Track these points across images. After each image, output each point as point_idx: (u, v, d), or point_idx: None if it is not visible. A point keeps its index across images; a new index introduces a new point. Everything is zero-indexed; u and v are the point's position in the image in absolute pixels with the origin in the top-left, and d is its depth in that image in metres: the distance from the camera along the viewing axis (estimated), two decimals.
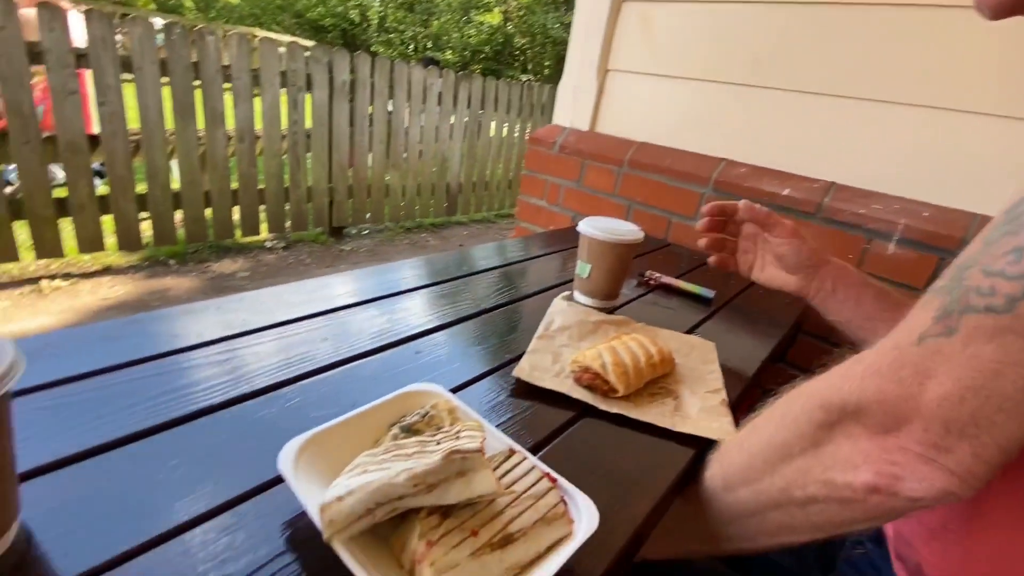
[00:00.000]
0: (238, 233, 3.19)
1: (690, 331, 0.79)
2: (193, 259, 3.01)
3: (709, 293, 0.93)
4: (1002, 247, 0.31)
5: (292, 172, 3.22)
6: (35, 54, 2.22)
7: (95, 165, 2.59)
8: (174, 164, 2.80)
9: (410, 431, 0.40)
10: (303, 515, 0.37)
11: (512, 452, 0.39)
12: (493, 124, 4.37)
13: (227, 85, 2.80)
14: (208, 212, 2.97)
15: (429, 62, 5.77)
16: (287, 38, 3.08)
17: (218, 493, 0.38)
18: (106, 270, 2.71)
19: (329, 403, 0.49)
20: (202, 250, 3.11)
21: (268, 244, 3.39)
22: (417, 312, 0.72)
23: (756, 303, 0.98)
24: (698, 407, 0.57)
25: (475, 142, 4.28)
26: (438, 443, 0.34)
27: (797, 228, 0.68)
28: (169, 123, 2.66)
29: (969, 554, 0.42)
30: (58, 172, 2.77)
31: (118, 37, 2.41)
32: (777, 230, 0.69)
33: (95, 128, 2.50)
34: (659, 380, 0.62)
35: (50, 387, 0.45)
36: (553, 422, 0.52)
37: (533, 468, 0.38)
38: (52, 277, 2.54)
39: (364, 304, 0.71)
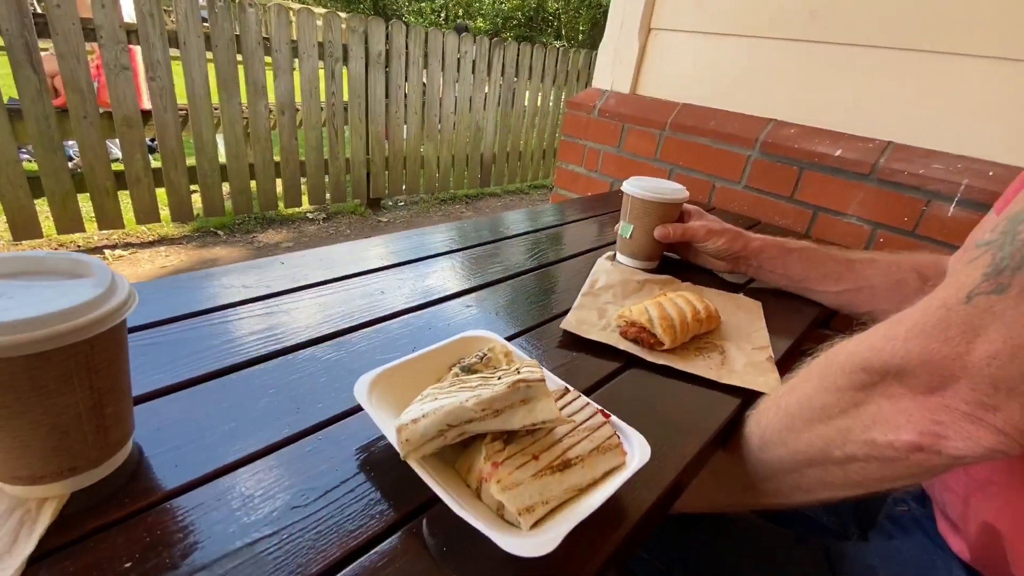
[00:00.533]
0: (281, 205, 3.30)
1: (736, 292, 0.79)
2: (240, 230, 3.13)
3: None
4: None
5: (331, 144, 3.28)
6: (88, 31, 2.31)
7: (148, 140, 2.71)
8: (220, 137, 2.89)
9: (470, 371, 0.43)
10: (375, 441, 0.40)
11: (568, 390, 0.42)
12: (527, 93, 4.30)
13: (267, 59, 2.85)
14: (253, 184, 3.08)
15: (462, 29, 5.68)
16: (321, 10, 3.10)
17: (300, 420, 0.41)
18: (161, 240, 2.87)
19: (391, 348, 0.52)
20: (248, 221, 3.23)
21: (310, 215, 3.49)
22: (459, 272, 0.75)
23: None
24: (744, 361, 0.58)
25: (509, 111, 4.24)
26: (499, 378, 0.37)
27: (730, 234, 0.75)
28: (214, 97, 2.74)
29: (1011, 507, 0.42)
30: (114, 148, 2.91)
31: (166, 13, 2.48)
32: (712, 240, 0.76)
33: (146, 103, 2.60)
34: (705, 336, 0.63)
35: (146, 328, 0.50)
36: (600, 371, 0.54)
37: (587, 404, 0.40)
38: (114, 247, 2.70)
39: (414, 262, 0.74)
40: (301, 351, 0.50)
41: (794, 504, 0.49)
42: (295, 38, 2.92)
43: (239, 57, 2.75)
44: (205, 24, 2.62)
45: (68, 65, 2.28)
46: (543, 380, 0.35)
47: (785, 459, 0.45)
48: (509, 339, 0.58)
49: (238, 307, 0.56)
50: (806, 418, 0.43)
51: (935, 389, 0.34)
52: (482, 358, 0.44)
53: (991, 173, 0.96)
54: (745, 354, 0.59)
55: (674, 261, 0.88)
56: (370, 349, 0.52)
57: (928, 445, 0.34)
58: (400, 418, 0.35)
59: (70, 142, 2.55)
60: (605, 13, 1.49)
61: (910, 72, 1.04)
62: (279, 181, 3.18)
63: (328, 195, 3.44)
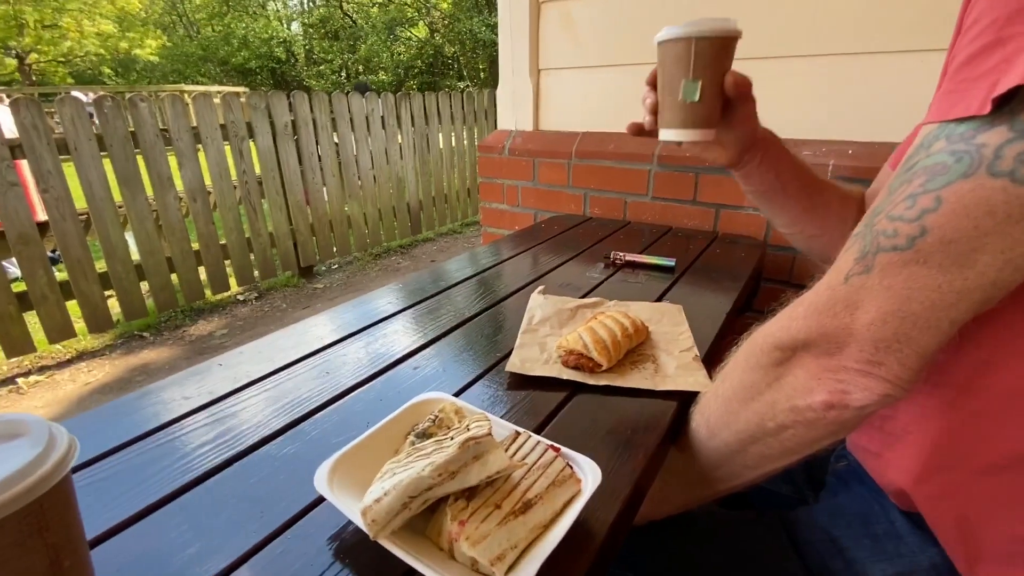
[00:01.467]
0: (208, 293, 3.17)
1: (658, 299, 0.86)
2: (167, 327, 2.97)
3: (670, 262, 1.00)
4: (900, 194, 0.38)
5: (251, 221, 3.21)
6: None
7: (49, 252, 2.55)
8: (129, 236, 2.76)
9: (425, 435, 0.45)
10: (345, 527, 0.41)
11: (518, 434, 0.45)
12: (440, 137, 4.41)
13: (168, 148, 2.78)
14: (174, 277, 2.94)
15: (363, 89, 5.77)
16: (216, 88, 3.08)
17: (266, 524, 0.42)
18: (80, 356, 2.66)
19: (347, 428, 0.54)
20: (175, 316, 3.07)
21: (240, 297, 3.36)
22: (406, 333, 0.77)
23: (715, 263, 1.05)
24: (674, 365, 0.63)
25: (426, 158, 4.32)
26: (452, 438, 0.39)
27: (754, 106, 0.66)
28: (117, 195, 2.63)
29: (920, 447, 0.49)
30: (11, 268, 2.70)
31: (51, 122, 2.38)
32: (745, 106, 0.65)
33: (41, 215, 2.46)
34: (637, 348, 0.68)
35: (89, 465, 0.49)
36: (549, 404, 0.58)
37: (538, 443, 0.43)
38: (27, 374, 2.48)
39: (354, 335, 0.76)
40: (255, 452, 0.50)
41: (747, 483, 0.53)
42: (195, 124, 2.87)
43: (138, 151, 2.66)
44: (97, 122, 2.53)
45: None
46: (489, 433, 0.38)
47: (731, 441, 0.51)
48: (461, 391, 0.61)
49: (182, 420, 0.55)
50: (740, 399, 0.48)
51: (833, 354, 0.41)
52: (434, 420, 0.47)
53: (850, 151, 1.11)
54: (674, 358, 0.65)
55: (600, 282, 0.95)
56: (325, 434, 0.53)
57: (837, 402, 0.41)
58: (363, 500, 0.37)
59: None
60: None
61: (765, 76, 1.18)
62: (202, 269, 3.06)
63: (257, 273, 3.34)
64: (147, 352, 2.71)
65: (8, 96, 2.23)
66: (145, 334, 2.88)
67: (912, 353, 0.38)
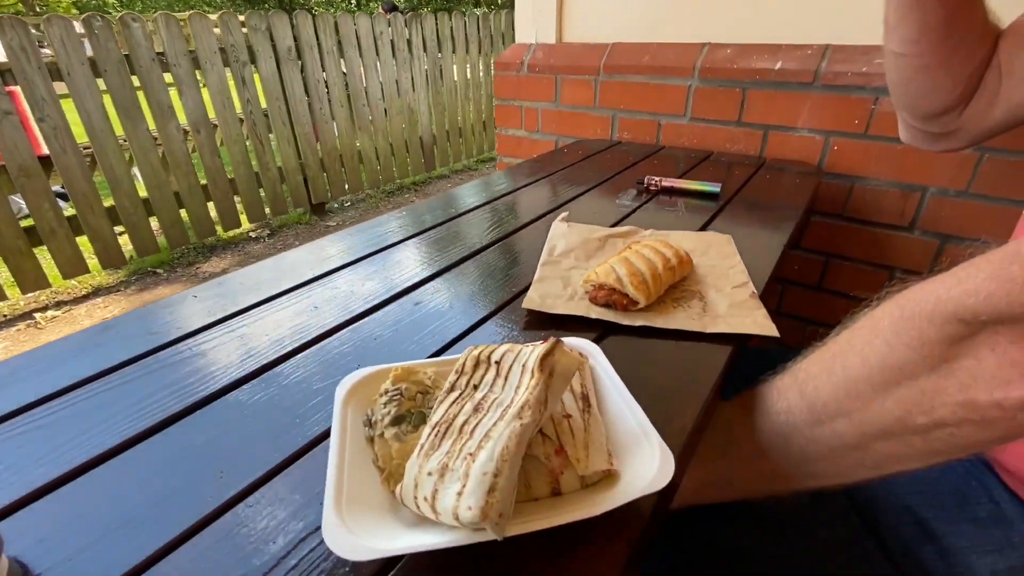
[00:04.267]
0: (219, 229, 3.10)
1: (702, 229, 0.74)
2: (181, 263, 2.94)
3: (715, 187, 0.86)
4: None
5: (259, 155, 3.09)
6: None
7: (56, 188, 2.48)
8: (135, 170, 2.67)
9: (404, 419, 0.34)
10: (320, 493, 0.33)
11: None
12: (455, 67, 4.13)
13: (167, 76, 2.63)
14: (183, 213, 2.88)
15: (392, 8, 5.39)
16: (217, 15, 2.86)
17: (226, 487, 0.34)
18: (96, 291, 2.66)
19: (331, 373, 0.45)
20: (188, 253, 3.03)
21: (253, 235, 3.30)
22: (408, 264, 0.67)
23: (764, 191, 0.91)
24: (727, 304, 0.53)
25: (440, 89, 4.07)
26: (506, 378, 0.31)
27: None
28: (118, 128, 2.51)
29: None
30: (18, 201, 2.65)
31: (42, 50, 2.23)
32: None
33: (44, 148, 2.36)
34: (680, 284, 0.57)
35: (21, 412, 0.41)
36: None
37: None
38: (44, 308, 2.49)
39: (349, 266, 0.66)
40: (221, 399, 0.42)
41: (853, 483, 0.41)
42: (193, 48, 2.69)
43: (135, 80, 2.52)
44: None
45: None
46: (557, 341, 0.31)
47: (847, 433, 0.38)
48: (468, 332, 0.52)
49: (142, 360, 0.47)
50: (879, 381, 0.36)
51: None
52: (398, 398, 0.35)
53: None
54: (726, 295, 0.54)
55: (632, 209, 0.83)
56: (305, 379, 0.44)
57: None
58: (459, 514, 0.26)
59: None
60: None
61: None
62: (211, 205, 2.98)
63: (268, 210, 3.25)
64: (161, 288, 2.69)
65: None
66: (159, 271, 2.85)
67: None
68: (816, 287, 1.18)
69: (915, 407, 0.34)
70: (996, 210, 0.94)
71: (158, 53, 2.56)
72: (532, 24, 1.43)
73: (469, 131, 4.48)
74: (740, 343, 0.48)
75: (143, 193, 2.69)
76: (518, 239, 0.74)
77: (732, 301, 0.53)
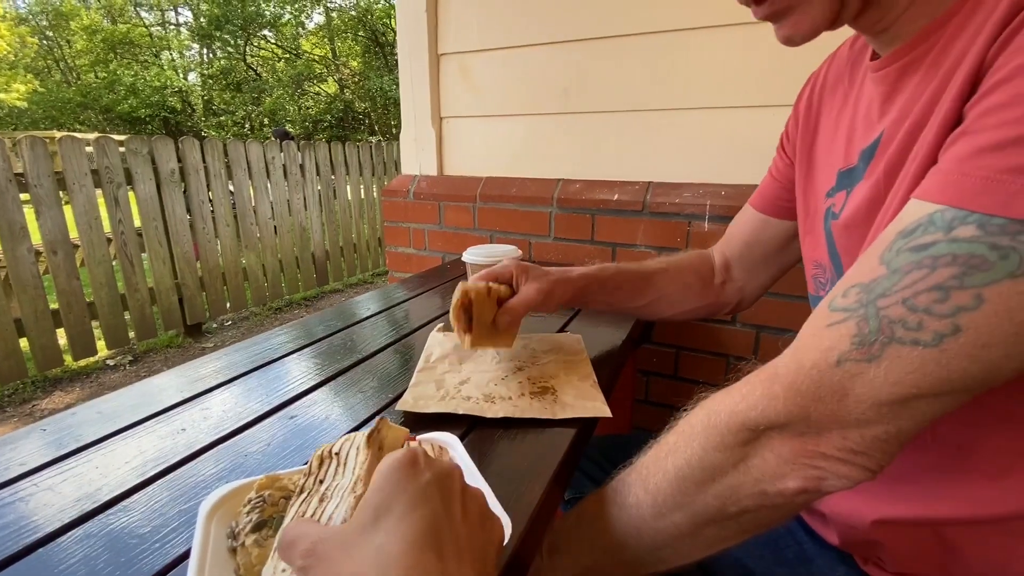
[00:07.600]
0: (68, 359, 2.74)
1: (560, 331, 0.85)
2: (13, 401, 2.50)
3: None
4: (920, 283, 0.33)
5: (126, 276, 2.87)
6: None
7: None
8: None
9: (265, 524, 0.36)
10: None
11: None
12: (348, 187, 4.33)
13: (25, 197, 2.45)
14: (24, 342, 2.52)
15: (284, 135, 5.51)
16: (94, 136, 2.80)
17: None
18: None
19: (200, 492, 0.45)
20: (24, 388, 2.60)
21: (111, 362, 2.94)
22: (290, 376, 0.69)
23: None
24: (573, 394, 0.62)
25: (334, 207, 4.20)
26: (345, 465, 0.34)
27: (555, 287, 0.70)
28: None
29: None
30: None
31: None
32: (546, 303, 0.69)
33: None
34: (538, 382, 0.66)
35: None
36: None
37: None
38: None
39: (232, 381, 0.67)
40: (58, 539, 0.40)
41: (693, 561, 0.47)
42: (60, 170, 2.57)
43: None
44: None
45: None
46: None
47: (683, 523, 0.44)
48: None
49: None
50: (698, 480, 0.43)
51: (810, 439, 0.38)
52: (260, 506, 0.37)
53: (723, 192, 1.22)
54: (573, 386, 0.64)
55: None
56: (171, 499, 0.44)
57: (812, 488, 0.38)
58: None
59: None
60: None
61: (651, 126, 1.29)
62: (61, 331, 2.66)
63: (132, 333, 2.96)
64: None
65: None
66: None
67: (898, 443, 0.36)
68: (673, 376, 1.36)
69: (727, 499, 0.42)
70: (793, 304, 1.20)
71: (16, 174, 2.40)
72: (416, 159, 1.62)
73: (364, 247, 4.58)
74: (584, 425, 0.57)
75: None
76: (401, 347, 0.80)
77: (578, 391, 0.63)
